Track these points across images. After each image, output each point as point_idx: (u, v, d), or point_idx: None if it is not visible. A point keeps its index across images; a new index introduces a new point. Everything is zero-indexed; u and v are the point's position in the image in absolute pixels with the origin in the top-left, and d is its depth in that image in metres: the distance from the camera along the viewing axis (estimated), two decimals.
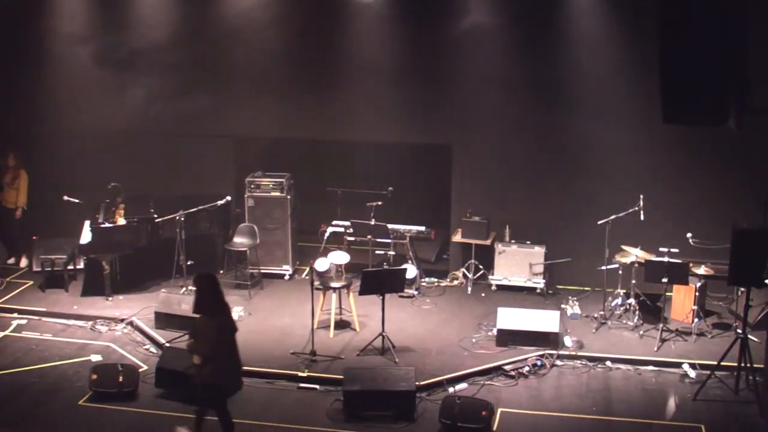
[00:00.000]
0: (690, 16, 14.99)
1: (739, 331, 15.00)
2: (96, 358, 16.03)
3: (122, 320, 17.52)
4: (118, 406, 14.38)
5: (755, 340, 15.54)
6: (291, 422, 13.97)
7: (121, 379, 14.57)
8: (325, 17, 19.14)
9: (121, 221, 18.61)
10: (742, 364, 14.85)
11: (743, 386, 14.99)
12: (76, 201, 18.87)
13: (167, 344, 16.09)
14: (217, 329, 12.47)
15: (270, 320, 17.60)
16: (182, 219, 18.25)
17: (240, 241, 19.19)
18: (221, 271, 19.54)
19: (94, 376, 14.61)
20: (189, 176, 20.13)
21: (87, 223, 18.60)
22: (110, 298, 18.39)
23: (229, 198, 19.25)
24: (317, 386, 15.07)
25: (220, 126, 20.08)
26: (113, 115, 19.96)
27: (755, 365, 14.75)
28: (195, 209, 18.60)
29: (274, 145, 21.15)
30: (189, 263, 18.54)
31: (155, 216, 18.77)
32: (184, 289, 18.39)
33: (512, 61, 18.72)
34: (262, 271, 19.46)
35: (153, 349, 16.41)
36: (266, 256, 19.53)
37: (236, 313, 17.51)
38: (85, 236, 18.48)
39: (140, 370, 15.32)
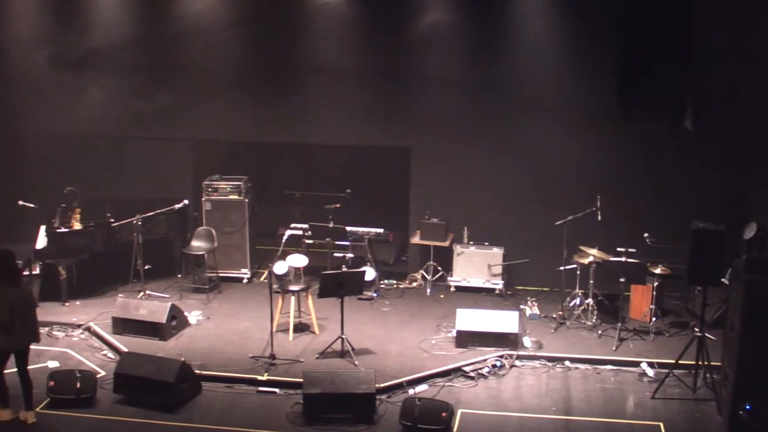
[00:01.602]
0: (647, 17, 15.13)
1: (697, 329, 15.11)
2: (53, 364, 15.85)
3: (79, 326, 17.33)
4: (77, 412, 14.19)
5: (712, 338, 15.60)
6: (251, 426, 13.85)
7: (78, 385, 14.38)
8: (284, 19, 19.19)
9: (78, 226, 18.45)
10: (700, 363, 14.96)
11: (701, 384, 15.09)
12: (32, 206, 18.68)
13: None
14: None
15: (228, 324, 17.51)
16: (139, 223, 18.20)
17: (198, 244, 19.10)
18: (179, 276, 19.43)
19: (52, 383, 14.42)
20: (146, 180, 20.04)
21: (43, 228, 18.43)
22: (67, 304, 18.23)
23: (186, 201, 19.19)
24: (277, 390, 14.97)
25: (177, 129, 20.00)
26: (68, 118, 19.90)
27: (713, 363, 14.85)
28: (152, 213, 18.54)
29: (232, 148, 21.09)
30: (146, 268, 18.46)
31: (112, 220, 18.69)
32: (141, 293, 18.30)
33: (470, 63, 18.83)
34: (221, 274, 19.36)
35: (111, 355, 16.26)
36: (224, 260, 19.45)
37: (195, 317, 17.47)
38: (41, 241, 18.32)
39: (98, 375, 15.14)
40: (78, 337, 17.09)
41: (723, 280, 15.22)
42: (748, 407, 13.51)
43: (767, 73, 16.53)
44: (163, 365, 14.55)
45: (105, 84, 19.95)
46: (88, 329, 17.24)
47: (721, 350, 14.87)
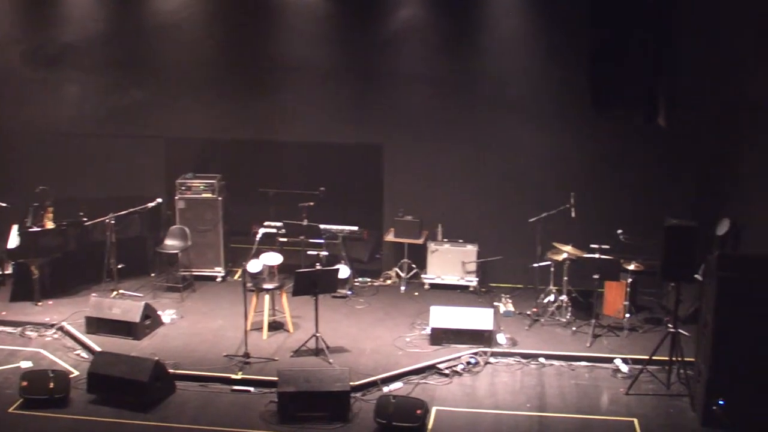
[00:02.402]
0: (619, 13, 15.17)
1: (670, 325, 15.15)
2: (26, 364, 15.78)
3: (52, 325, 17.24)
4: (50, 413, 14.13)
5: (686, 334, 15.66)
6: (225, 425, 13.84)
7: (52, 385, 14.31)
8: (257, 16, 19.09)
9: (50, 225, 18.34)
10: (674, 358, 15.03)
11: (675, 380, 15.15)
12: (4, 205, 18.62)
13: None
14: None
15: (202, 323, 17.47)
16: (112, 222, 18.12)
17: (171, 243, 19.04)
18: (152, 274, 19.36)
19: (25, 383, 14.36)
20: (119, 178, 19.94)
21: (15, 228, 18.32)
22: (40, 303, 18.12)
23: (160, 200, 19.11)
24: (251, 388, 14.95)
25: (151, 126, 19.90)
26: (41, 116, 19.78)
27: (686, 359, 14.92)
28: (125, 212, 18.49)
29: (206, 145, 20.98)
30: (120, 267, 18.40)
31: (85, 219, 18.59)
32: (114, 293, 18.25)
33: (442, 59, 18.84)
34: (194, 273, 19.32)
35: (84, 355, 16.19)
36: (198, 259, 19.40)
37: (168, 316, 17.41)
38: (13, 240, 18.21)
39: (71, 375, 15.09)
40: (51, 337, 17.00)
41: (696, 276, 15.27)
42: (721, 402, 13.60)
43: (736, 71, 16.58)
44: (136, 365, 14.52)
45: (78, 81, 19.81)
46: (61, 329, 17.16)
47: (695, 346, 14.94)
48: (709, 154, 17.85)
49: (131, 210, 18.63)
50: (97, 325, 16.82)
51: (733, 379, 13.52)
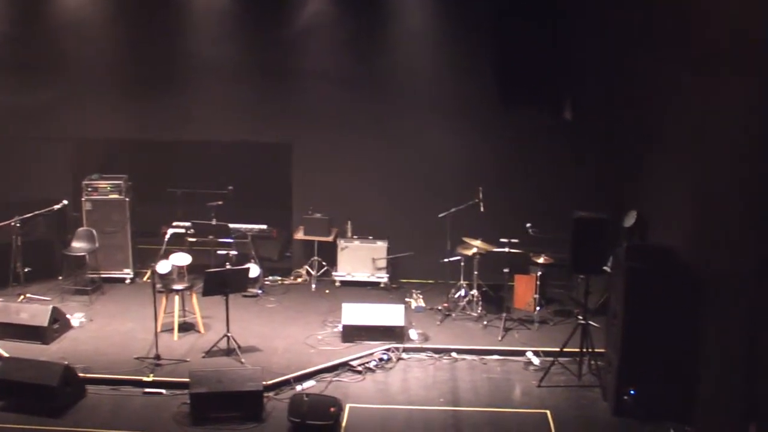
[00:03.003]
0: (526, 11, 15.32)
1: (580, 317, 15.32)
2: None
3: None
4: None
5: (596, 325, 15.81)
6: (138, 428, 13.70)
7: None
8: (163, 15, 18.89)
9: None
10: (584, 350, 15.19)
11: (586, 371, 15.35)
12: None
13: None
14: None
15: (112, 325, 17.26)
16: (18, 225, 17.83)
17: (78, 245, 18.78)
18: (60, 278, 19.10)
19: None
20: (24, 180, 19.58)
21: None
22: None
23: (65, 202, 18.83)
24: (163, 390, 14.81)
25: (56, 127, 19.58)
26: None
27: (597, 350, 15.10)
28: (31, 214, 18.16)
29: (112, 146, 20.70)
30: (26, 270, 18.12)
31: None
32: (21, 297, 17.96)
33: (349, 57, 18.86)
34: (103, 275, 19.09)
35: None
36: (106, 261, 19.16)
37: (77, 319, 17.19)
38: None
39: None
40: None
41: (605, 268, 15.43)
42: (632, 392, 13.77)
43: (639, 67, 16.78)
44: (45, 369, 14.30)
45: None
46: None
47: (605, 337, 15.11)
48: (614, 147, 18.02)
49: (36, 212, 18.33)
50: (3, 330, 16.51)
51: (643, 368, 13.70)
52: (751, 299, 11.80)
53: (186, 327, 16.96)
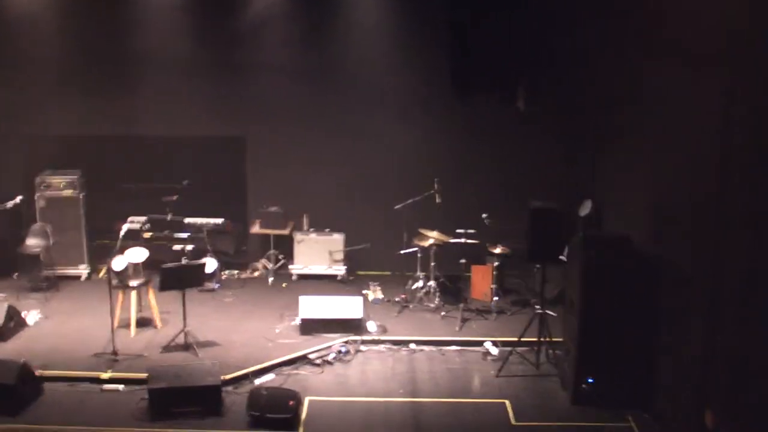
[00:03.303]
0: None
1: (537, 307, 15.39)
2: None
3: None
4: None
5: (553, 314, 15.86)
6: (96, 425, 13.61)
7: None
8: (114, 9, 18.76)
9: None
10: (542, 339, 15.26)
11: (544, 360, 15.44)
12: None
13: None
14: None
15: (68, 323, 17.13)
16: None
17: (32, 242, 18.60)
18: (15, 275, 18.93)
19: None
20: None
21: None
22: None
23: (20, 198, 18.69)
24: (121, 386, 14.74)
25: (7, 123, 19.38)
26: None
27: (554, 339, 15.20)
28: None
29: (65, 142, 20.54)
30: None
31: None
32: None
33: (302, 49, 18.83)
34: (58, 272, 18.92)
35: None
36: (61, 257, 18.99)
37: (33, 317, 17.06)
38: None
39: None
40: None
41: (561, 257, 15.48)
42: (590, 380, 13.86)
43: (593, 57, 16.85)
44: (2, 367, 14.16)
45: None
46: None
47: (562, 326, 15.19)
48: (569, 136, 18.12)
49: None
50: None
51: (600, 356, 13.79)
52: (707, 287, 11.89)
53: (143, 323, 16.84)
